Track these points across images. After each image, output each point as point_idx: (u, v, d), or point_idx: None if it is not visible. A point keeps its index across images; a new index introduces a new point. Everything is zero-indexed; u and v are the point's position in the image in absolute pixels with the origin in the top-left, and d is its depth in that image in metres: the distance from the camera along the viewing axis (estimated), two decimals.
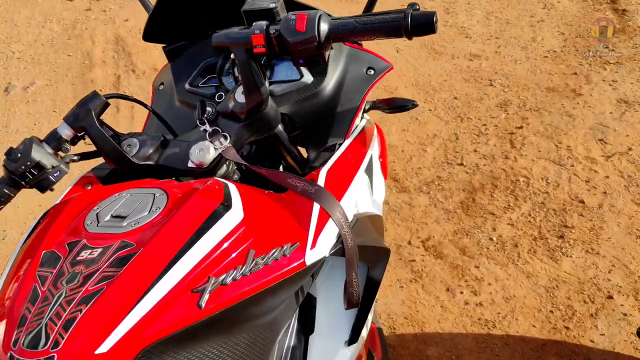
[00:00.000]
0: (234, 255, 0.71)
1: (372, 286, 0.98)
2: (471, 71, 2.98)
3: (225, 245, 0.72)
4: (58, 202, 0.92)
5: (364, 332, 1.03)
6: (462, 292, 1.94)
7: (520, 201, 2.23)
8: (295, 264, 0.76)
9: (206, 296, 0.67)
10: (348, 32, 0.86)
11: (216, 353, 0.71)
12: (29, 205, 2.56)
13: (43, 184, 0.93)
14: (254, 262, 0.72)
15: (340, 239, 0.84)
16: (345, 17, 0.89)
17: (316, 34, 0.85)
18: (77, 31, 3.87)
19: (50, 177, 0.93)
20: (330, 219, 0.82)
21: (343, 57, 1.12)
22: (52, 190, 0.96)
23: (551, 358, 1.71)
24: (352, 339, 0.97)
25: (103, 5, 4.10)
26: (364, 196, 1.06)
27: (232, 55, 0.96)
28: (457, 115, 2.72)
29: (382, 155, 1.28)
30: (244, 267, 0.71)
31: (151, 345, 0.64)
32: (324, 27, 0.86)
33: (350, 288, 0.85)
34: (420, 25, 0.82)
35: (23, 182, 0.91)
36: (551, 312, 1.83)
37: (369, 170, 1.13)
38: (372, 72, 1.10)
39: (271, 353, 0.84)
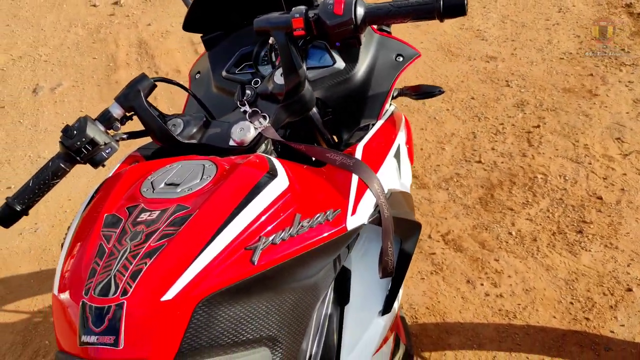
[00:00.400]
0: (282, 217, 0.78)
1: (404, 259, 1.04)
2: (488, 72, 3.03)
3: (274, 208, 0.78)
4: (110, 175, 0.98)
5: (396, 305, 1.08)
6: (482, 284, 1.98)
7: (538, 197, 2.27)
8: (337, 229, 0.82)
9: (258, 253, 0.73)
10: (383, 15, 0.92)
11: (264, 309, 0.76)
12: (59, 200, 2.64)
13: (96, 160, 0.99)
14: (300, 224, 0.78)
15: (377, 208, 0.89)
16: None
17: (353, 17, 0.92)
18: (101, 35, 3.99)
19: (103, 153, 1.00)
20: (368, 189, 0.88)
21: (373, 45, 1.18)
22: (103, 166, 1.02)
23: (572, 348, 1.75)
24: (386, 310, 1.02)
25: (126, 11, 4.21)
26: (393, 178, 1.12)
27: (270, 40, 1.02)
28: (474, 114, 2.77)
29: (409, 142, 1.34)
30: (291, 229, 0.77)
31: (210, 296, 0.70)
32: (360, 10, 0.93)
33: (385, 257, 0.90)
34: (452, 7, 0.88)
35: (78, 158, 0.97)
36: (571, 303, 1.87)
37: (397, 155, 1.19)
38: (401, 58, 1.17)
39: (311, 318, 0.89)
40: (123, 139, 1.05)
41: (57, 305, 0.76)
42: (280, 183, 0.81)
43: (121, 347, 0.67)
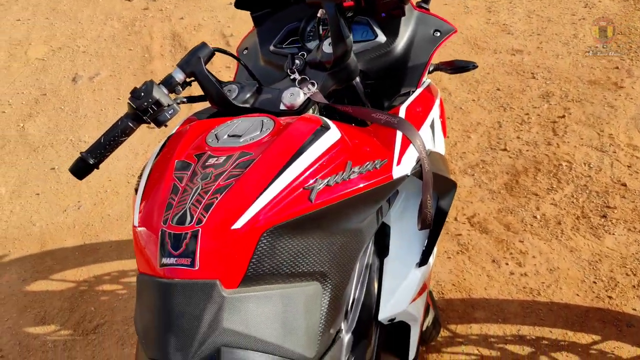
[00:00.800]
0: (335, 163, 0.87)
1: (440, 215, 1.12)
2: (514, 65, 3.09)
3: (328, 155, 0.88)
4: (173, 132, 1.08)
5: (431, 260, 1.17)
6: (507, 264, 2.06)
7: (563, 184, 2.33)
8: (384, 176, 0.92)
9: (315, 192, 0.83)
10: None
11: (317, 246, 0.86)
12: (100, 180, 2.78)
13: (159, 119, 1.09)
14: (352, 170, 0.88)
15: (419, 162, 0.98)
16: None
17: None
18: (136, 28, 4.14)
19: (166, 114, 1.09)
20: (411, 144, 0.98)
21: (413, 20, 1.27)
22: (165, 126, 1.12)
23: (594, 323, 1.81)
24: (422, 262, 1.11)
25: (159, 5, 4.36)
26: (430, 141, 1.21)
27: (319, 13, 1.11)
28: (499, 105, 2.84)
29: (442, 116, 1.42)
30: (343, 174, 0.87)
31: (273, 228, 0.80)
32: None
33: (425, 209, 0.99)
34: None
35: (144, 117, 1.07)
36: (594, 282, 1.93)
37: (432, 126, 1.28)
38: (438, 34, 1.26)
39: (356, 263, 0.98)
40: (183, 102, 1.15)
41: (138, 235, 0.87)
42: (333, 134, 0.91)
43: (196, 268, 0.78)
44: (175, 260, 0.80)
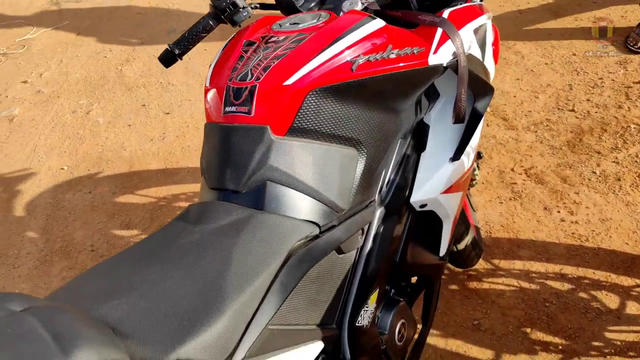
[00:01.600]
0: (377, 44, 1.00)
1: (475, 116, 1.21)
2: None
3: (372, 38, 1.01)
4: (242, 27, 1.26)
5: (466, 161, 1.26)
6: (559, 212, 2.09)
7: (628, 144, 2.30)
8: (420, 61, 1.04)
9: (357, 64, 0.97)
10: None
11: (356, 115, 1.00)
12: (183, 117, 3.07)
13: (235, 19, 1.27)
14: (391, 52, 1.01)
15: (455, 57, 1.09)
16: None
17: None
18: None
19: (241, 15, 1.26)
20: (449, 40, 1.08)
21: None
22: (239, 27, 1.30)
23: None
24: (455, 157, 1.21)
25: None
26: (470, 51, 1.29)
27: None
28: (573, 69, 2.81)
29: (495, 44, 1.49)
30: (384, 53, 1.00)
31: (319, 89, 0.95)
32: None
33: (459, 102, 1.09)
34: None
35: (223, 16, 1.25)
36: None
37: (482, 48, 1.36)
38: None
39: (392, 144, 1.11)
40: (256, 8, 1.33)
41: (208, 93, 1.07)
42: (378, 22, 1.04)
43: (252, 115, 0.95)
44: (236, 109, 0.98)
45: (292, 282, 0.89)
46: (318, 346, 0.98)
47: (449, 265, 1.94)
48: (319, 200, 0.96)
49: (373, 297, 1.12)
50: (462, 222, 1.64)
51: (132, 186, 2.69)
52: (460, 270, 1.93)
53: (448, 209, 1.27)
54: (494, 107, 2.68)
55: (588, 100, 2.59)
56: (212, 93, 1.05)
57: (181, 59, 1.33)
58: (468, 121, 1.21)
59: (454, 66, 1.09)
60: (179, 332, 0.69)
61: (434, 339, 1.75)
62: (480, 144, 2.41)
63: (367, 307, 1.10)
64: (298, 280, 0.90)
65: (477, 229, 1.85)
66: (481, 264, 1.94)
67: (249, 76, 0.98)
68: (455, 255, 1.73)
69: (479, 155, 1.77)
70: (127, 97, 3.40)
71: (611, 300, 1.75)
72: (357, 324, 1.08)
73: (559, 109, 2.59)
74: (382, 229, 1.12)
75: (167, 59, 1.32)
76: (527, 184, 2.24)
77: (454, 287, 1.90)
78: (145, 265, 0.82)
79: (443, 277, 1.93)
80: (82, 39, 4.20)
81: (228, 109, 0.99)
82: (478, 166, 1.69)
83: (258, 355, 0.83)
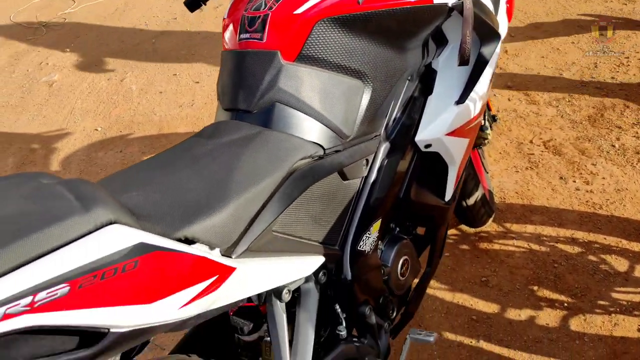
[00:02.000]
0: None
1: (481, 63, 1.25)
2: (623, 13, 3.00)
3: None
4: None
5: (472, 107, 1.30)
6: (574, 181, 2.11)
7: None
8: None
9: None
10: None
11: (362, 48, 1.05)
12: (212, 86, 3.18)
13: None
14: None
15: (460, 0, 1.13)
16: None
17: None
18: None
19: None
20: None
21: None
22: None
23: None
24: (460, 100, 1.25)
25: None
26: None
27: None
28: (600, 48, 2.80)
29: (509, 1, 1.52)
30: None
31: (327, 19, 1.02)
32: None
33: (463, 44, 1.13)
34: None
35: None
36: None
37: (496, 4, 1.39)
38: None
39: (397, 80, 1.16)
40: None
41: (226, 24, 1.16)
42: None
43: (264, 41, 1.04)
44: (249, 35, 1.06)
45: (294, 193, 0.96)
46: (319, 260, 1.05)
47: (461, 226, 1.99)
48: (324, 124, 1.03)
49: (376, 226, 1.18)
50: (472, 178, 1.68)
51: (160, 147, 2.81)
52: (471, 231, 1.98)
53: (453, 153, 1.31)
54: (517, 83, 2.70)
55: (612, 78, 2.59)
56: (229, 24, 1.15)
57: (205, 4, 1.42)
58: (474, 66, 1.25)
59: (459, 7, 1.13)
60: (187, 216, 0.78)
61: (442, 292, 1.80)
62: (500, 117, 2.44)
63: (369, 233, 1.16)
64: (300, 192, 0.97)
65: (490, 192, 1.88)
66: (493, 227, 1.98)
67: (263, 6, 1.06)
68: (465, 211, 1.77)
69: (493, 119, 1.80)
70: (159, 66, 3.53)
71: (620, 264, 1.77)
72: (359, 248, 1.14)
73: (582, 85, 2.59)
74: (386, 162, 1.17)
75: (192, 3, 1.41)
76: (544, 155, 2.26)
77: (464, 246, 1.95)
78: (161, 169, 0.91)
79: (454, 237, 1.98)
80: (120, 14, 4.35)
81: (242, 35, 1.08)
82: (491, 126, 1.72)
83: (260, 252, 0.91)
